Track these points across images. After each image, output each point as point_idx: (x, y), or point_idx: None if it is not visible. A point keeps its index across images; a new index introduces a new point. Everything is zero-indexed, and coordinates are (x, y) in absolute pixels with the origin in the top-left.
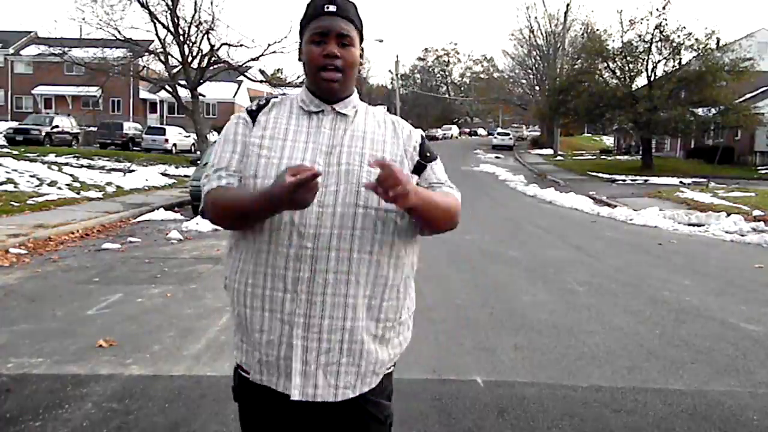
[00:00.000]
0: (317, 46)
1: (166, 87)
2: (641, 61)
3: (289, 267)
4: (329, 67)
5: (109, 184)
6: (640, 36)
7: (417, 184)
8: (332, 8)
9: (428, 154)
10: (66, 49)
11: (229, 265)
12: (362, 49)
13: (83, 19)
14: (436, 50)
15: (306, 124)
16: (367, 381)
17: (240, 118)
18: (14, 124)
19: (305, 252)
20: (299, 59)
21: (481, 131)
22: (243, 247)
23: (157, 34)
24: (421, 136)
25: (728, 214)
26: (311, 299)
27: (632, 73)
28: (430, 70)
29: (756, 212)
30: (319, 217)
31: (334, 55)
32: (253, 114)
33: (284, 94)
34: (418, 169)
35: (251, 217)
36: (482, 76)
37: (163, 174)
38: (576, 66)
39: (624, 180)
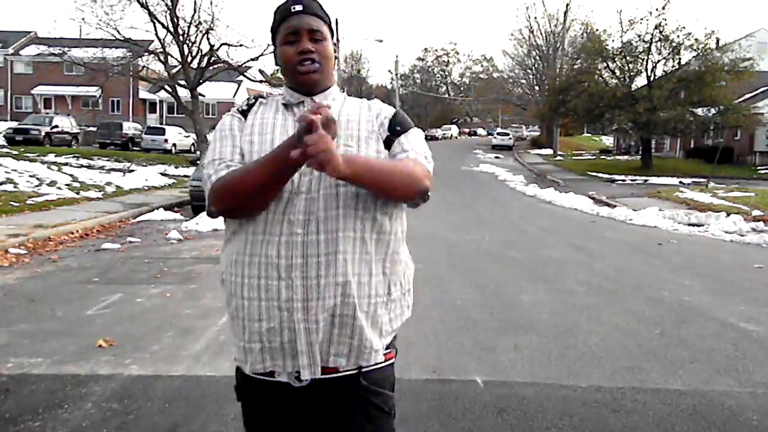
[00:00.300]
0: (291, 46)
1: (166, 87)
2: (641, 61)
3: (281, 255)
4: (305, 62)
5: (108, 184)
6: (639, 36)
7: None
8: (299, 7)
9: (398, 128)
10: (66, 49)
11: (225, 260)
12: (335, 45)
13: (83, 19)
14: (436, 50)
15: (291, 119)
16: (365, 357)
17: (233, 116)
18: (14, 124)
19: (296, 239)
20: (276, 64)
21: (480, 131)
22: (237, 240)
23: (156, 34)
24: (394, 112)
25: (728, 214)
26: (307, 284)
27: (632, 73)
28: (430, 70)
29: (755, 212)
30: (308, 204)
31: (308, 50)
32: (244, 112)
33: (271, 94)
34: (388, 143)
35: (266, 182)
36: (482, 76)
37: (163, 174)
38: (575, 66)
39: (623, 180)
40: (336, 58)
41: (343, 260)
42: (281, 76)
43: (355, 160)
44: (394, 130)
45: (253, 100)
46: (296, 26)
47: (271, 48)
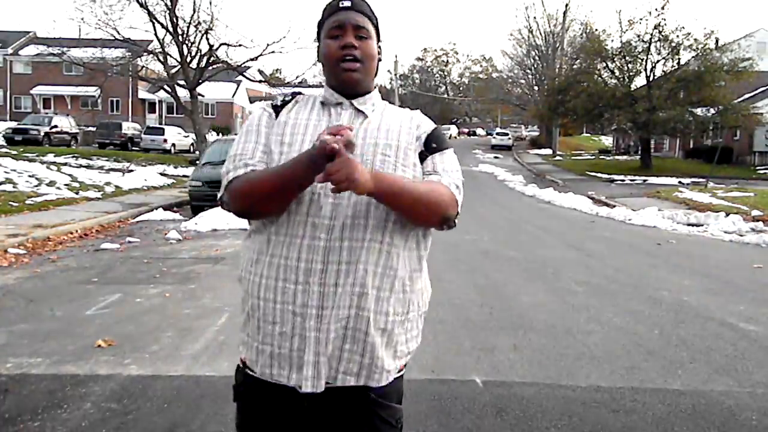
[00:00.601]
0: (335, 40)
1: (165, 87)
2: (640, 61)
3: (301, 258)
4: (348, 57)
5: (107, 184)
6: (639, 36)
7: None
8: (347, 3)
9: (433, 145)
10: (65, 49)
11: (245, 257)
12: (380, 48)
13: (82, 19)
14: (435, 50)
15: (326, 120)
16: (375, 377)
17: (264, 111)
18: (13, 124)
19: (318, 243)
20: (318, 60)
21: (479, 131)
22: (258, 239)
23: (155, 34)
24: (433, 128)
25: (727, 214)
26: (324, 291)
27: (631, 73)
28: (429, 70)
29: (755, 212)
30: (334, 209)
31: (351, 45)
32: (277, 109)
33: (313, 94)
34: (421, 158)
35: (279, 191)
36: (481, 76)
37: (162, 174)
38: (575, 66)
39: (623, 180)
40: (379, 60)
41: (363, 270)
42: (279, 77)
43: (384, 179)
44: (430, 147)
45: (290, 97)
46: (342, 20)
47: (270, 48)
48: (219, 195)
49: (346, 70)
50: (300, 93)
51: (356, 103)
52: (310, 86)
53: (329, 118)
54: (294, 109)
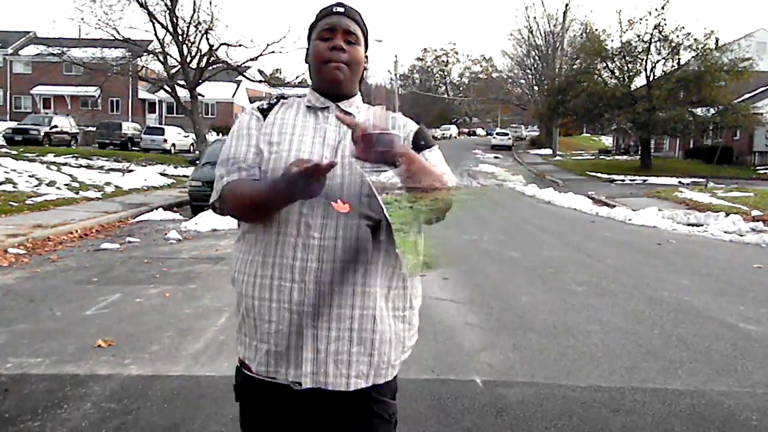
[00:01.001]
0: (324, 42)
1: (165, 87)
2: (640, 61)
3: (296, 257)
4: (335, 59)
5: (107, 184)
6: (639, 36)
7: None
8: (341, 9)
9: (422, 143)
10: (65, 49)
11: (238, 258)
12: (367, 57)
13: (82, 19)
14: (435, 50)
15: (312, 121)
16: (382, 373)
17: (252, 114)
18: (13, 124)
19: (312, 242)
20: (305, 61)
21: (479, 131)
22: (252, 239)
23: (155, 34)
24: (419, 128)
25: (727, 214)
26: (319, 288)
27: (631, 73)
28: (429, 70)
29: (755, 212)
30: (327, 208)
31: (340, 47)
32: (264, 112)
33: (297, 96)
34: None
35: (264, 208)
36: (481, 76)
37: (162, 174)
38: (575, 66)
39: (623, 180)
40: (365, 69)
41: (363, 270)
42: (279, 77)
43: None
44: (419, 144)
45: (275, 100)
46: (334, 24)
47: (270, 48)
48: (212, 199)
49: (331, 71)
50: (284, 96)
51: (342, 106)
52: (309, 86)
53: (316, 119)
54: (281, 111)
